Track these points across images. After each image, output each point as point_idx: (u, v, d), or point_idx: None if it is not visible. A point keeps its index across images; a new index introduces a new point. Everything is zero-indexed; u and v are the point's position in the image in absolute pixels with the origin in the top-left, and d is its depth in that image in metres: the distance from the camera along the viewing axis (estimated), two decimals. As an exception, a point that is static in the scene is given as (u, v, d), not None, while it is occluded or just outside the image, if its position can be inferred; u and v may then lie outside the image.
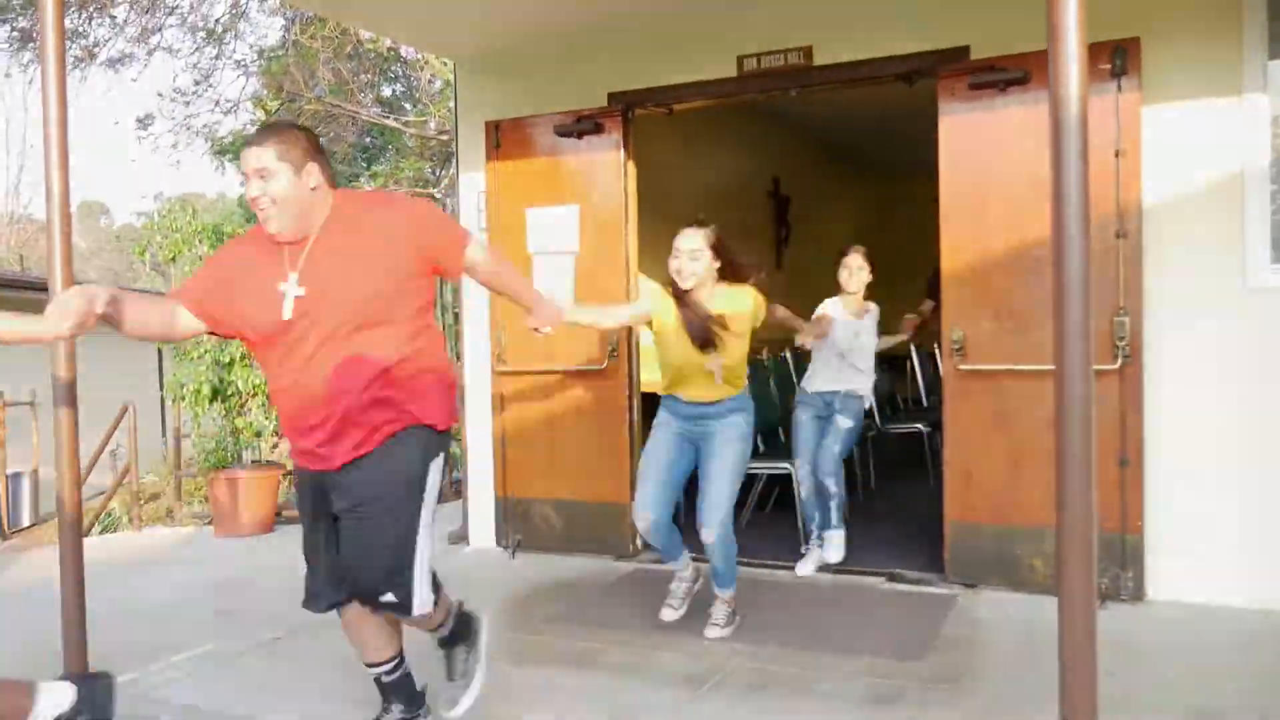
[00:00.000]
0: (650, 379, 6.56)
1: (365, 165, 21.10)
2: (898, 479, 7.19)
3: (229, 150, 20.32)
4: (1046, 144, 2.23)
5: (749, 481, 5.98)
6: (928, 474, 6.85)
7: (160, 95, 25.66)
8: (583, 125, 5.55)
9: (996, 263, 4.66)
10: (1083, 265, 2.18)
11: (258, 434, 7.29)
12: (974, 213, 4.70)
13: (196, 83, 18.27)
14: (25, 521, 10.03)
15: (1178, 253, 4.43)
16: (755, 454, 5.92)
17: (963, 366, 4.74)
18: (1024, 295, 4.58)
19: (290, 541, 6.75)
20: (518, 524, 5.80)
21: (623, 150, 5.51)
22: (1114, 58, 4.36)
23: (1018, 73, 4.53)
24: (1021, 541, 4.61)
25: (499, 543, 5.88)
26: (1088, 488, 2.19)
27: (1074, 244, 2.18)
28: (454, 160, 6.38)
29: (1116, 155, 4.36)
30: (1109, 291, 4.38)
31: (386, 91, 19.79)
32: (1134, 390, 4.42)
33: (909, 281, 6.49)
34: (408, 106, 19.52)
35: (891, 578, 4.95)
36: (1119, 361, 4.40)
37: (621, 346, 5.51)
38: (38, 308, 2.68)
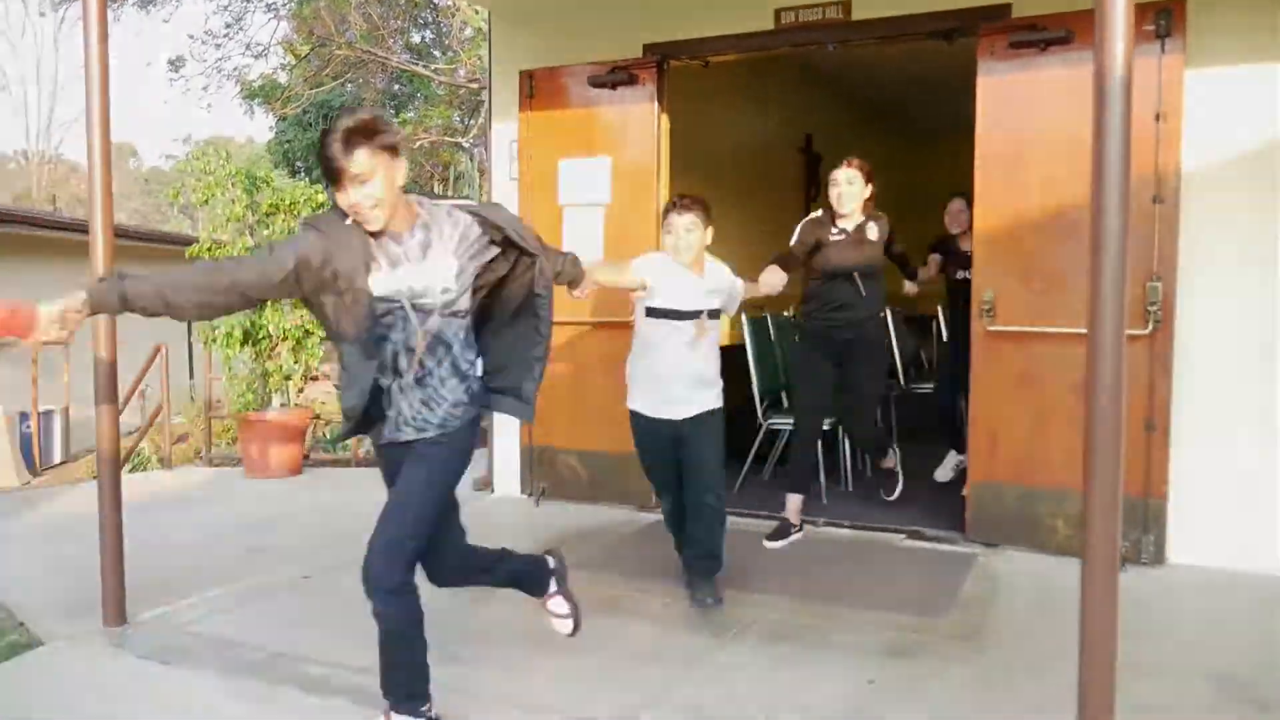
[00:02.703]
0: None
1: (394, 112, 21.05)
2: (922, 438, 7.21)
3: (259, 94, 20.32)
4: (1086, 106, 2.22)
5: (771, 436, 6.04)
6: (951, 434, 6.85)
7: (191, 38, 25.69)
8: (617, 76, 5.52)
9: (1030, 224, 4.63)
10: (1121, 230, 2.17)
11: (287, 378, 7.37)
12: (1010, 174, 4.67)
13: (228, 25, 18.25)
14: (57, 458, 10.21)
15: (1214, 219, 4.39)
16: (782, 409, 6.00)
17: (992, 328, 4.73)
18: (1056, 258, 4.56)
19: (318, 484, 6.86)
20: (543, 472, 5.87)
21: (657, 102, 5.48)
22: (1158, 19, 4.29)
23: (1060, 32, 4.47)
24: (1043, 502, 4.63)
25: (524, 490, 5.95)
26: (1116, 452, 2.20)
27: (1113, 208, 2.18)
28: (485, 109, 6.38)
29: (1157, 119, 4.32)
30: (1143, 256, 4.35)
31: (416, 38, 19.68)
32: (1163, 355, 4.41)
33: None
34: (437, 54, 19.42)
35: (913, 535, 4.99)
36: (1150, 326, 4.39)
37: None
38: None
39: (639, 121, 5.53)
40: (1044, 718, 2.96)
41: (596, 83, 5.57)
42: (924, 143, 10.65)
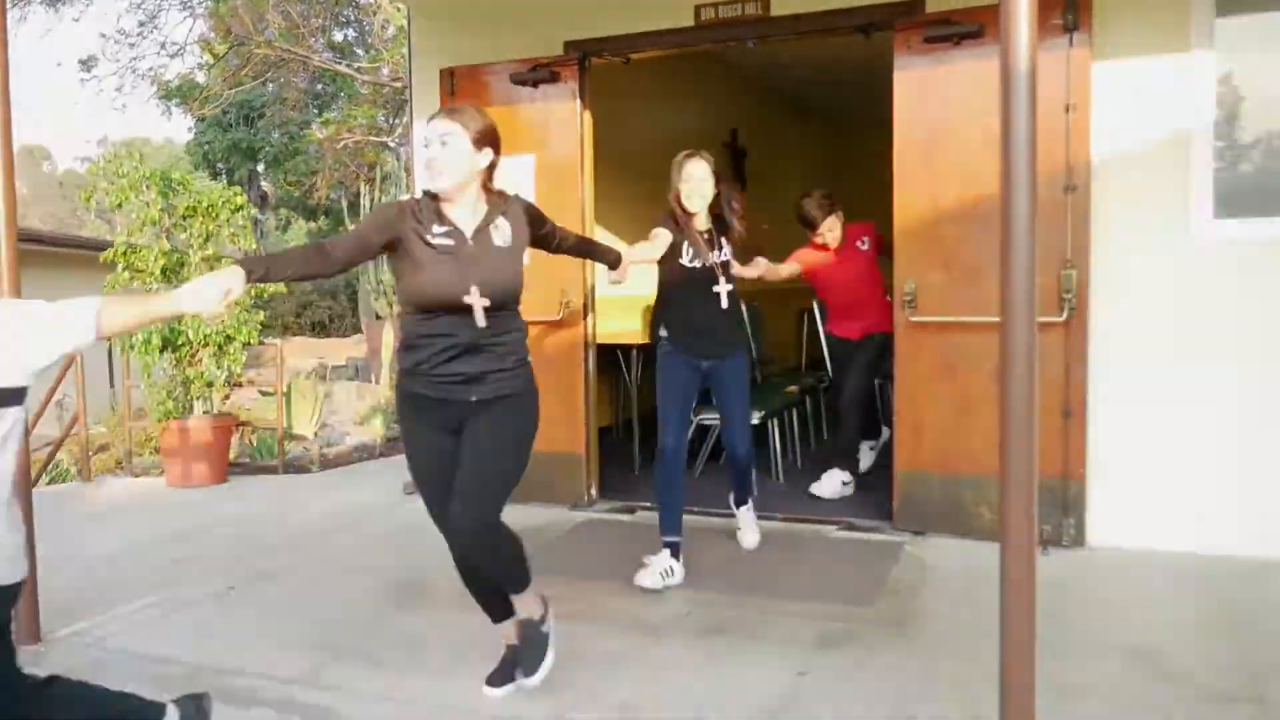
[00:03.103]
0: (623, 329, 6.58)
1: (317, 112, 20.73)
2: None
3: (176, 94, 19.84)
4: (998, 98, 2.26)
5: (702, 432, 6.05)
6: (878, 425, 6.94)
7: (104, 37, 24.96)
8: (539, 74, 5.49)
9: (948, 216, 4.71)
10: (1029, 218, 2.21)
11: (209, 384, 7.20)
12: (927, 166, 4.74)
13: (141, 24, 17.80)
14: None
15: (1124, 207, 4.51)
16: (710, 404, 5.97)
17: (914, 318, 4.80)
18: (974, 248, 4.64)
19: (243, 493, 6.72)
20: (473, 474, 5.80)
21: (579, 100, 5.47)
22: (1065, 13, 4.39)
23: (972, 26, 4.55)
24: (968, 490, 4.72)
25: (455, 493, 5.88)
26: (1030, 436, 2.25)
27: (1021, 197, 2.21)
28: (408, 108, 6.29)
29: (1066, 110, 4.41)
30: (1056, 245, 4.45)
31: (338, 36, 19.41)
32: (1079, 342, 4.52)
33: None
34: (360, 52, 19.17)
35: (843, 526, 5.05)
36: (1065, 314, 4.49)
37: (576, 298, 5.51)
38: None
39: (562, 119, 5.50)
40: (969, 697, 3.01)
41: (518, 80, 5.54)
42: (849, 137, 10.78)
